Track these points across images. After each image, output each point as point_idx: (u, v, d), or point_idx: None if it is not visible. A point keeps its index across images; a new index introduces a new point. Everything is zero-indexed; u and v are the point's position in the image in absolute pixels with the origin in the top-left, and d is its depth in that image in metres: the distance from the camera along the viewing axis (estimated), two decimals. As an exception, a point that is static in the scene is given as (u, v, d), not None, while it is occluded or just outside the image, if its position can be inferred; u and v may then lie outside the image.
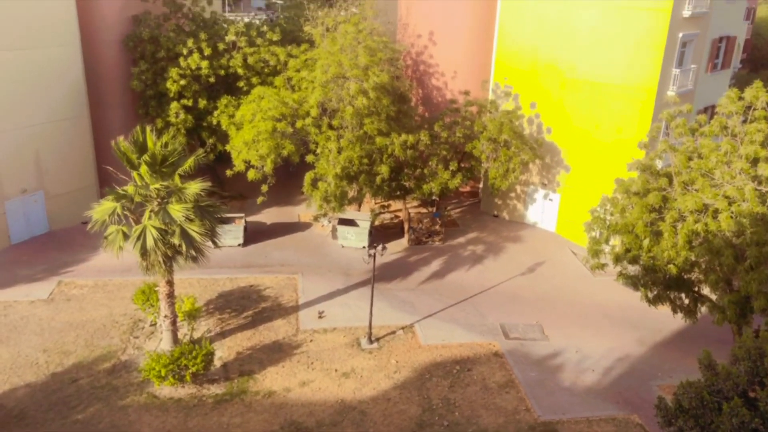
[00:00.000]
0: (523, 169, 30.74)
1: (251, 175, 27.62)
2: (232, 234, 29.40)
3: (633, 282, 20.78)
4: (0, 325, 22.71)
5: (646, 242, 19.96)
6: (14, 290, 25.07)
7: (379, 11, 32.48)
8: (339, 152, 27.46)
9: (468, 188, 36.92)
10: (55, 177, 30.42)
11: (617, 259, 20.75)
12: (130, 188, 19.26)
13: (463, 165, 31.43)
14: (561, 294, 27.16)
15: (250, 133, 27.62)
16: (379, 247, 22.04)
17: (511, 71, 32.16)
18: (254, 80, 32.39)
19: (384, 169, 28.10)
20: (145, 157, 19.11)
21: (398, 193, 31.19)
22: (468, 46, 34.68)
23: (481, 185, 36.12)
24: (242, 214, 30.84)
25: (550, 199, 32.84)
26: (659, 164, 22.33)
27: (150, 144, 19.47)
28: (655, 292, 20.67)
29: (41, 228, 30.17)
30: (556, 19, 30.13)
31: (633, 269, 20.92)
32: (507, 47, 32.22)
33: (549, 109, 31.44)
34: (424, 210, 33.03)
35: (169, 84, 31.26)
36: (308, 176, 27.87)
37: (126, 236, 19.23)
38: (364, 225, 30.36)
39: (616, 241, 21.49)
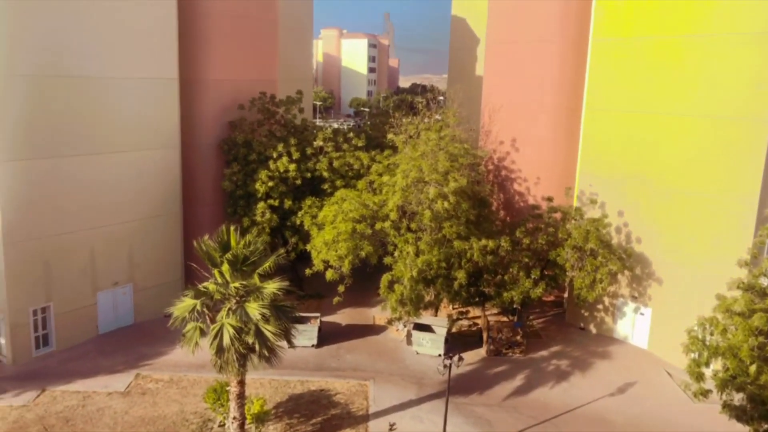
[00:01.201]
0: (611, 280, 29.16)
1: (329, 275, 27.74)
2: (306, 334, 29.18)
3: (739, 414, 18.46)
4: (77, 416, 23.03)
5: (752, 368, 17.87)
6: (95, 381, 25.64)
7: (461, 118, 33.22)
8: (417, 255, 27.22)
9: (552, 298, 35.36)
10: (144, 271, 31.79)
11: (723, 386, 18.60)
12: (210, 286, 19.63)
13: (546, 273, 30.24)
14: (655, 421, 24.60)
15: (330, 234, 28.04)
16: (455, 358, 21.01)
17: (596, 179, 31.43)
18: (338, 183, 33.35)
19: (462, 274, 27.45)
20: (228, 255, 19.57)
21: (477, 299, 30.23)
22: (551, 152, 34.49)
23: (566, 295, 34.51)
24: (317, 314, 30.72)
25: (642, 313, 30.73)
26: (764, 282, 20.44)
27: (233, 243, 19.99)
28: (765, 428, 18.21)
29: (127, 320, 31.23)
30: (643, 130, 29.54)
31: (738, 398, 18.66)
32: (592, 155, 31.72)
33: (638, 219, 30.14)
34: (504, 319, 31.69)
35: (257, 185, 32.68)
36: (385, 278, 27.63)
37: (203, 333, 19.41)
38: (441, 331, 29.36)
39: (718, 365, 19.42)
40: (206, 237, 20.33)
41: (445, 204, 27.10)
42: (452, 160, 28.53)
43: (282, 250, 22.71)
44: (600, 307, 32.27)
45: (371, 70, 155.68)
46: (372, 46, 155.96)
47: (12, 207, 26.27)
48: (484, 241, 27.68)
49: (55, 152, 27.47)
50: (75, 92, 27.86)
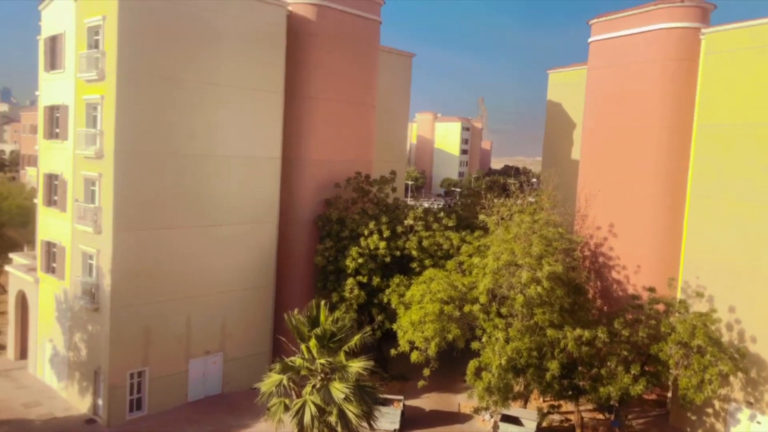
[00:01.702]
0: (722, 381, 26.58)
1: (414, 356, 27.15)
2: (388, 417, 28.38)
3: None
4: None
5: None
6: (180, 448, 25.95)
7: (556, 202, 32.54)
8: (506, 342, 26.17)
9: (653, 396, 32.61)
10: (235, 341, 32.56)
11: None
12: (297, 360, 19.71)
13: (647, 369, 28.06)
14: None
15: (417, 314, 27.65)
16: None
17: (703, 270, 29.40)
18: (427, 262, 33.22)
19: (555, 365, 26.00)
20: (316, 331, 19.70)
21: (570, 392, 28.37)
22: (653, 240, 32.85)
23: (669, 395, 31.73)
24: (401, 397, 29.92)
25: (758, 422, 27.59)
26: None
27: (322, 318, 20.15)
28: None
29: (215, 389, 31.81)
30: (755, 221, 27.62)
31: None
32: (698, 245, 29.87)
33: (752, 316, 27.66)
34: (600, 416, 29.43)
35: (348, 261, 33.16)
36: (472, 364, 26.65)
37: (287, 408, 19.35)
38: (530, 425, 27.64)
39: None
40: (296, 311, 20.64)
41: (539, 289, 26.14)
42: (546, 244, 27.73)
43: (368, 328, 22.64)
44: (709, 411, 29.33)
45: (463, 151, 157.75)
46: (465, 128, 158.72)
47: (120, 273, 28.04)
48: (579, 331, 26.27)
49: (162, 223, 29.34)
50: (183, 168, 29.95)
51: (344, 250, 34.05)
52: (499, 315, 27.54)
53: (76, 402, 30.50)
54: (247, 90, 32.04)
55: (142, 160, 28.41)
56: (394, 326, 29.97)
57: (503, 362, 25.42)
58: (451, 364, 33.44)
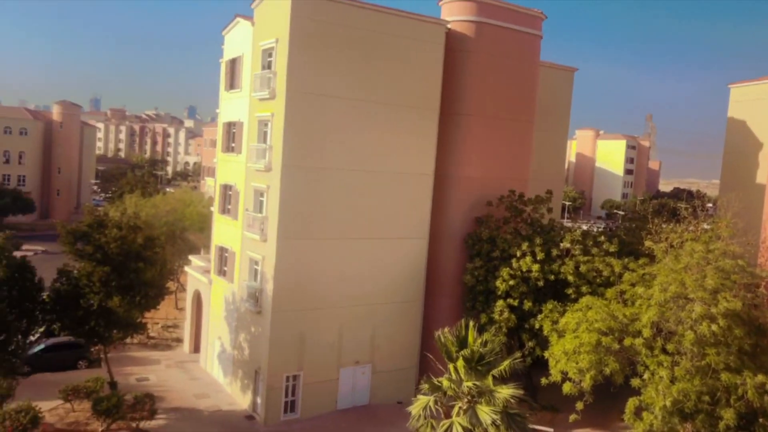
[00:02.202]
0: None
1: (567, 388, 25.66)
2: (536, 449, 27.04)
3: None
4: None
5: None
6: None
7: (736, 231, 29.17)
8: (672, 382, 23.78)
9: None
10: (383, 353, 33.15)
11: None
12: (444, 381, 19.53)
13: None
14: None
15: (571, 343, 26.16)
16: None
17: None
18: (584, 289, 31.37)
19: (731, 414, 23.11)
20: (464, 352, 19.39)
21: (748, 447, 25.04)
22: None
23: None
24: (551, 430, 28.33)
25: None
26: None
27: (470, 339, 19.79)
28: None
29: (363, 399, 32.58)
30: None
31: None
32: None
33: None
34: (785, 477, 25.64)
35: (498, 282, 32.35)
36: (631, 402, 24.57)
37: (433, 429, 19.24)
38: (698, 477, 24.77)
39: None
40: (446, 329, 20.49)
41: (713, 327, 23.49)
42: (724, 278, 24.88)
43: (518, 354, 21.79)
44: None
45: (628, 171, 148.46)
46: (631, 147, 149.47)
47: (281, 280, 29.85)
48: (761, 377, 23.14)
49: (320, 234, 30.80)
50: (341, 182, 31.22)
51: (494, 271, 33.29)
52: (665, 352, 25.16)
53: (239, 398, 32.91)
54: (403, 107, 32.76)
55: (304, 173, 30.14)
56: (546, 354, 28.63)
57: (668, 404, 23.14)
58: (608, 399, 31.17)
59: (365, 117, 31.59)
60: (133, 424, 28.31)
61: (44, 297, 29.48)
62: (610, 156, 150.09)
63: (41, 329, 30.02)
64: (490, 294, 33.41)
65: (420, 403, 19.61)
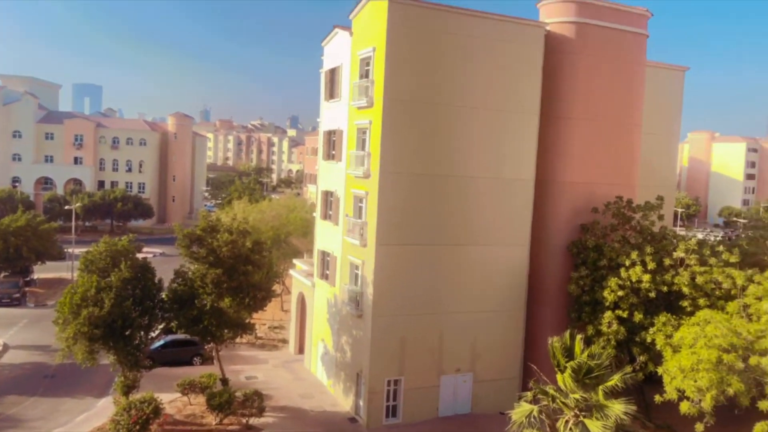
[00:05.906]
0: None
1: (685, 407, 24.02)
2: (649, 469, 25.59)
3: None
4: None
5: None
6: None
7: None
8: (807, 407, 21.71)
9: None
10: (485, 362, 32.68)
11: None
12: (551, 390, 18.98)
13: None
14: None
15: (688, 360, 24.49)
16: None
17: None
18: (701, 301, 29.34)
19: None
20: (572, 363, 18.78)
21: None
22: None
23: None
24: (665, 450, 26.76)
25: None
26: None
27: (577, 351, 19.12)
28: None
29: (464, 408, 32.27)
30: None
31: None
32: None
33: None
34: None
35: (606, 293, 30.97)
36: (759, 428, 22.66)
37: (536, 439, 18.72)
38: None
39: None
40: (557, 338, 19.91)
41: None
42: None
43: (629, 368, 20.73)
44: None
45: (749, 176, 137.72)
46: (752, 150, 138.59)
47: (382, 284, 30.20)
48: None
49: (419, 240, 30.86)
50: (439, 188, 31.11)
51: (601, 281, 31.87)
52: (797, 372, 23.01)
53: (341, 399, 33.62)
54: (502, 112, 32.22)
55: (402, 179, 30.36)
56: (660, 370, 27.01)
57: (802, 432, 21.14)
58: (731, 422, 28.98)
59: (462, 122, 31.39)
60: (244, 420, 29.69)
61: (163, 296, 31.57)
62: (728, 160, 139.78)
63: (160, 326, 32.13)
64: (597, 305, 32.04)
65: (522, 411, 19.16)
